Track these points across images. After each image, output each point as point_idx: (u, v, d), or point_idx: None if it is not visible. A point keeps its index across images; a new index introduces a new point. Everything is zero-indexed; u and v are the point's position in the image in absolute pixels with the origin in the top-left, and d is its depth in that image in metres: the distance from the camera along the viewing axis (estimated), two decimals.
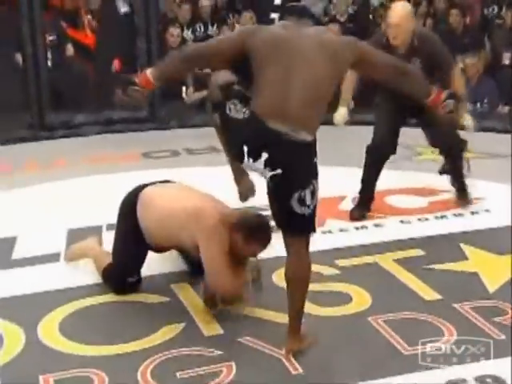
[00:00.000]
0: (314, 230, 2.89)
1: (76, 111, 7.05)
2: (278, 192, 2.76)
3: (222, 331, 3.21)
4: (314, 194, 2.78)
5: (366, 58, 2.84)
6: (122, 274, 3.53)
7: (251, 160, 2.68)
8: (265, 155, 2.65)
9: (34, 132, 6.78)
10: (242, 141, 2.71)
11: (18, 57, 7.09)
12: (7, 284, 3.74)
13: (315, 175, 2.80)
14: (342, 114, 4.60)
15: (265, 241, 3.29)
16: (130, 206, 3.55)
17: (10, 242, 4.29)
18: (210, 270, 3.26)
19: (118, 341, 3.11)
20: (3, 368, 2.98)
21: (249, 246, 3.28)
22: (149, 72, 2.77)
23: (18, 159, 6.14)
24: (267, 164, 2.67)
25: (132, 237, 3.50)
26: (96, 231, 4.39)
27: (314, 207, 2.82)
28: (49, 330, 3.26)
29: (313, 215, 2.83)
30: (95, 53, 7.52)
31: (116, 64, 7.44)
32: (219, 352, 3.03)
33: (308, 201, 2.75)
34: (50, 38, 7.09)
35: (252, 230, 3.26)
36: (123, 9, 7.38)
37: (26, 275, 3.86)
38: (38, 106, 6.80)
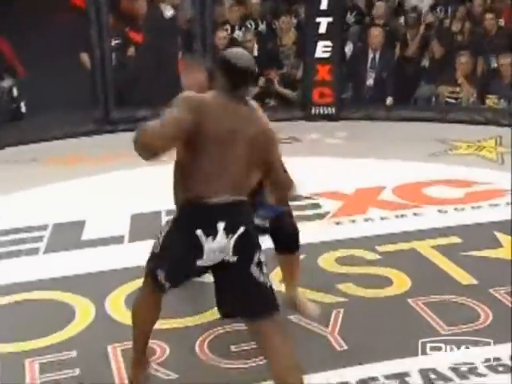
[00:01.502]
0: (277, 309, 2.38)
1: (137, 107, 7.09)
2: (241, 261, 2.33)
3: None
4: (263, 263, 2.37)
5: (270, 166, 2.48)
6: None
7: (210, 238, 2.30)
8: (221, 225, 2.30)
9: (99, 126, 6.87)
10: (194, 228, 2.32)
11: (84, 56, 7.18)
12: (78, 262, 3.82)
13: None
14: None
15: None
16: None
17: (80, 225, 4.37)
18: None
19: (178, 315, 3.15)
20: (76, 338, 3.05)
21: None
22: None
23: (86, 151, 6.24)
24: (227, 231, 2.30)
25: None
26: (156, 216, 4.45)
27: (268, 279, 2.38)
28: (115, 304, 3.32)
29: (272, 290, 2.39)
30: (143, 54, 7.49)
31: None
32: None
33: (264, 268, 2.37)
34: (116, 41, 7.17)
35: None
36: (168, 13, 7.39)
37: (94, 255, 3.93)
38: (104, 102, 6.89)
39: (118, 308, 3.28)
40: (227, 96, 2.40)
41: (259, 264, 2.35)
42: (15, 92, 6.68)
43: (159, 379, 2.73)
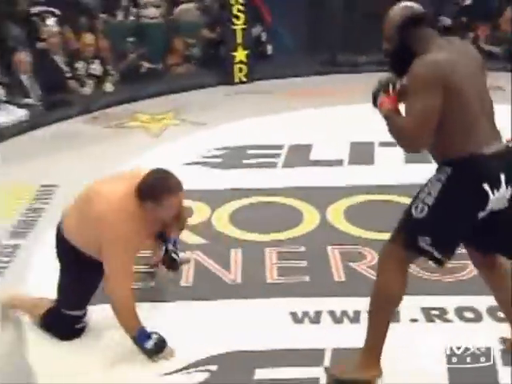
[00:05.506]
0: None
1: (360, 52, 6.82)
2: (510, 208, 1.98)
3: None
4: None
5: None
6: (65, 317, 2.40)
7: (495, 191, 1.91)
8: (503, 176, 1.91)
9: (326, 67, 6.76)
10: (479, 181, 1.90)
11: None
12: (307, 177, 3.87)
13: None
14: None
15: (175, 185, 2.24)
16: (57, 240, 2.42)
17: (308, 148, 4.38)
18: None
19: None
20: (303, 236, 3.13)
21: (169, 204, 2.22)
22: None
23: (314, 88, 6.09)
24: (507, 182, 1.93)
25: (72, 268, 2.37)
26: (370, 146, 4.33)
27: None
28: (336, 214, 3.34)
29: None
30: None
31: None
32: None
33: None
34: None
35: (158, 187, 2.20)
36: None
37: (319, 172, 3.95)
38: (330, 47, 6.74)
39: (338, 217, 3.30)
40: (442, 44, 1.96)
41: None
42: (263, 37, 6.80)
43: (370, 280, 2.71)
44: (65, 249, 2.37)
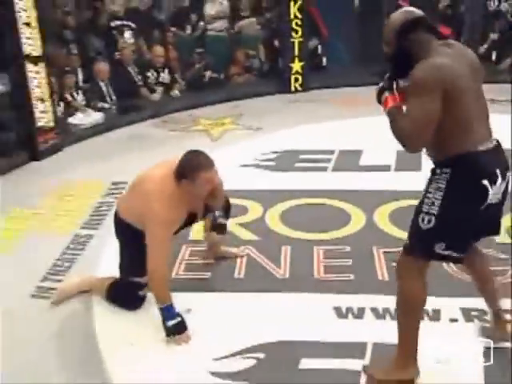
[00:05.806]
0: None
1: None
2: (502, 201, 1.95)
3: None
4: None
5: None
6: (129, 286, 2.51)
7: (493, 185, 1.86)
8: (498, 171, 1.88)
9: (379, 78, 6.64)
10: (478, 178, 1.86)
11: None
12: (356, 181, 3.82)
13: None
14: None
15: (206, 162, 2.31)
16: (115, 223, 2.58)
17: (358, 153, 4.34)
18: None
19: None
20: (350, 237, 3.10)
21: (201, 180, 2.29)
22: None
23: (366, 97, 6.04)
24: (502, 177, 1.90)
25: (131, 243, 2.47)
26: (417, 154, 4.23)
27: None
28: (382, 217, 3.28)
29: None
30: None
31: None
32: None
33: None
34: None
35: (189, 166, 2.29)
36: None
37: (368, 177, 3.89)
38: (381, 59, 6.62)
39: (384, 220, 3.25)
40: (441, 48, 1.88)
41: None
42: (319, 49, 6.77)
43: None
44: (122, 228, 2.52)
